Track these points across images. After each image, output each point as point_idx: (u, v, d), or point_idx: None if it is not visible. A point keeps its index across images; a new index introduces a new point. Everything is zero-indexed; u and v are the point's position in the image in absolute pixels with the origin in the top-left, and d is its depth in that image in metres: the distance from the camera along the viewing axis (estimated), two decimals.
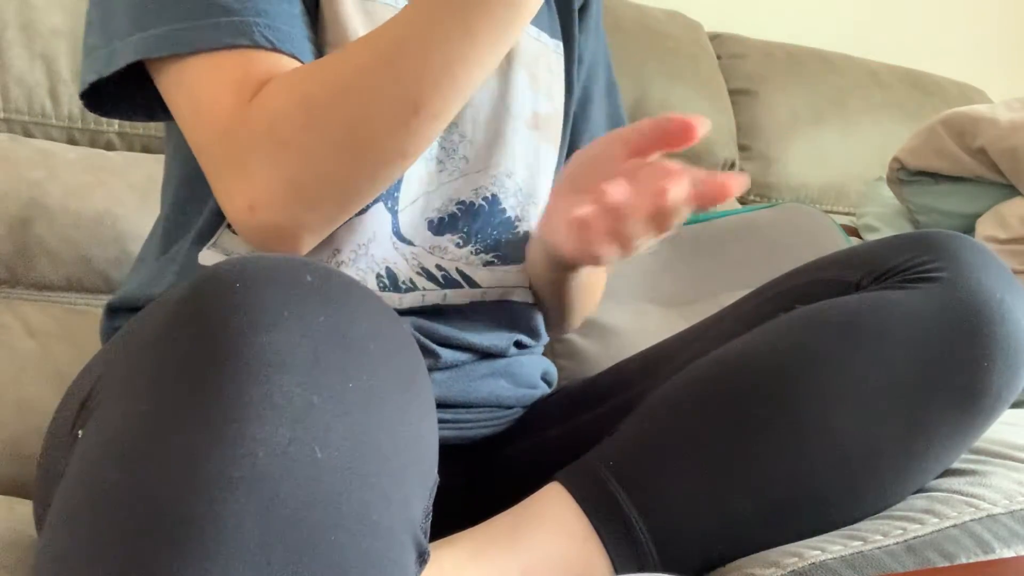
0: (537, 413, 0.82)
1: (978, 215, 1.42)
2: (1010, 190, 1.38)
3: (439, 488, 0.53)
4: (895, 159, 1.46)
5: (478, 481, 0.78)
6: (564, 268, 0.78)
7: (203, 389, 0.42)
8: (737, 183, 0.61)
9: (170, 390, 0.43)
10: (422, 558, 0.49)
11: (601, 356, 1.10)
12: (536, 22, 0.83)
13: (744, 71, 1.72)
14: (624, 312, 1.23)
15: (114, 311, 0.78)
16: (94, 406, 0.49)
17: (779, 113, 1.70)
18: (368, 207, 0.71)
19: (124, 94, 0.69)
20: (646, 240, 0.64)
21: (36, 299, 1.06)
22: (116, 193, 1.10)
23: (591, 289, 0.89)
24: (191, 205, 0.74)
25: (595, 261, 0.67)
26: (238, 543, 0.40)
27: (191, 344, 0.44)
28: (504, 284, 0.80)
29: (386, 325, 0.49)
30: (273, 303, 0.44)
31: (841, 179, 1.73)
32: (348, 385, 0.45)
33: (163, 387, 0.43)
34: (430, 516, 0.51)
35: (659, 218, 0.62)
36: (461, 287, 0.77)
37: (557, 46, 0.86)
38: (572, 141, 0.90)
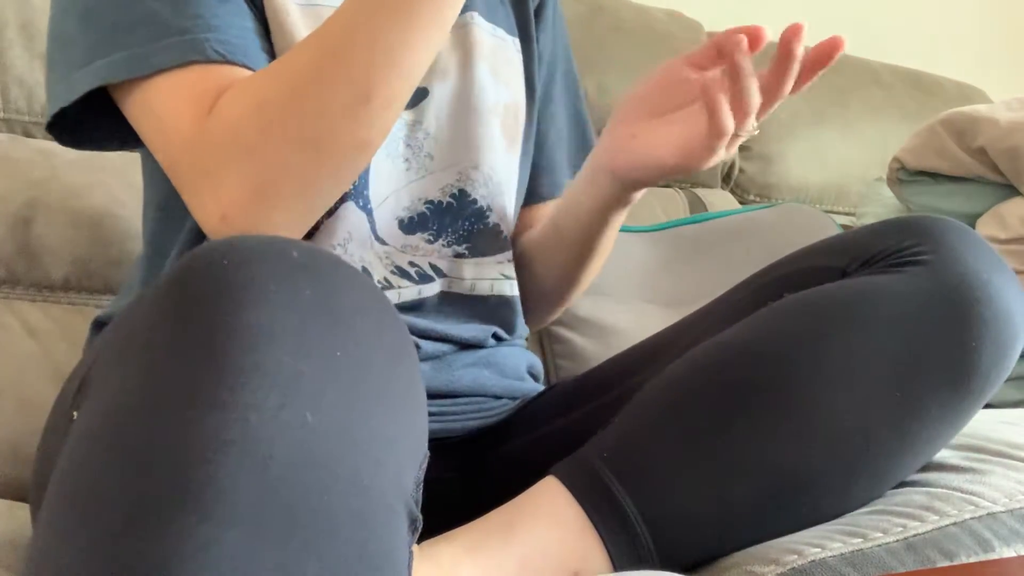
0: (532, 410, 0.83)
1: (978, 215, 1.41)
2: (1010, 190, 1.37)
3: (430, 482, 0.53)
4: (895, 159, 1.46)
5: (473, 477, 0.78)
6: (622, 197, 0.80)
7: (194, 361, 0.43)
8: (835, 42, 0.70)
9: (162, 363, 0.44)
10: (414, 525, 0.50)
11: (601, 356, 1.10)
12: (491, 18, 0.85)
13: None
14: (624, 312, 1.23)
15: (102, 326, 0.80)
16: (89, 387, 0.50)
17: (779, 113, 1.69)
18: (336, 208, 0.73)
19: (91, 124, 0.71)
20: (751, 121, 0.72)
21: (36, 299, 1.06)
22: (116, 193, 1.10)
23: (608, 243, 0.89)
24: (167, 232, 0.76)
25: (708, 151, 0.71)
26: (233, 504, 0.40)
27: (182, 319, 0.45)
28: (474, 276, 0.81)
29: (372, 301, 0.50)
30: (261, 278, 0.45)
31: (841, 179, 1.73)
32: (336, 354, 0.46)
33: (155, 361, 0.45)
34: (421, 487, 0.51)
35: (781, 69, 0.69)
36: (433, 280, 0.79)
37: (515, 42, 0.87)
38: (537, 140, 0.91)
